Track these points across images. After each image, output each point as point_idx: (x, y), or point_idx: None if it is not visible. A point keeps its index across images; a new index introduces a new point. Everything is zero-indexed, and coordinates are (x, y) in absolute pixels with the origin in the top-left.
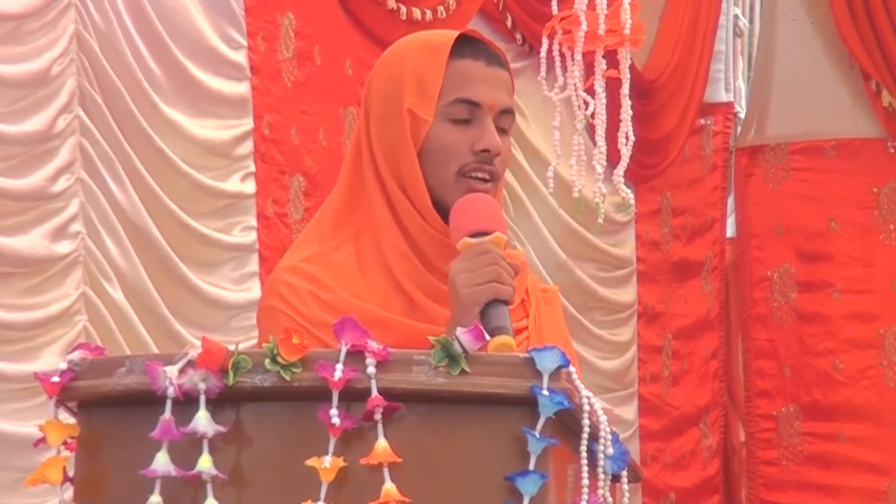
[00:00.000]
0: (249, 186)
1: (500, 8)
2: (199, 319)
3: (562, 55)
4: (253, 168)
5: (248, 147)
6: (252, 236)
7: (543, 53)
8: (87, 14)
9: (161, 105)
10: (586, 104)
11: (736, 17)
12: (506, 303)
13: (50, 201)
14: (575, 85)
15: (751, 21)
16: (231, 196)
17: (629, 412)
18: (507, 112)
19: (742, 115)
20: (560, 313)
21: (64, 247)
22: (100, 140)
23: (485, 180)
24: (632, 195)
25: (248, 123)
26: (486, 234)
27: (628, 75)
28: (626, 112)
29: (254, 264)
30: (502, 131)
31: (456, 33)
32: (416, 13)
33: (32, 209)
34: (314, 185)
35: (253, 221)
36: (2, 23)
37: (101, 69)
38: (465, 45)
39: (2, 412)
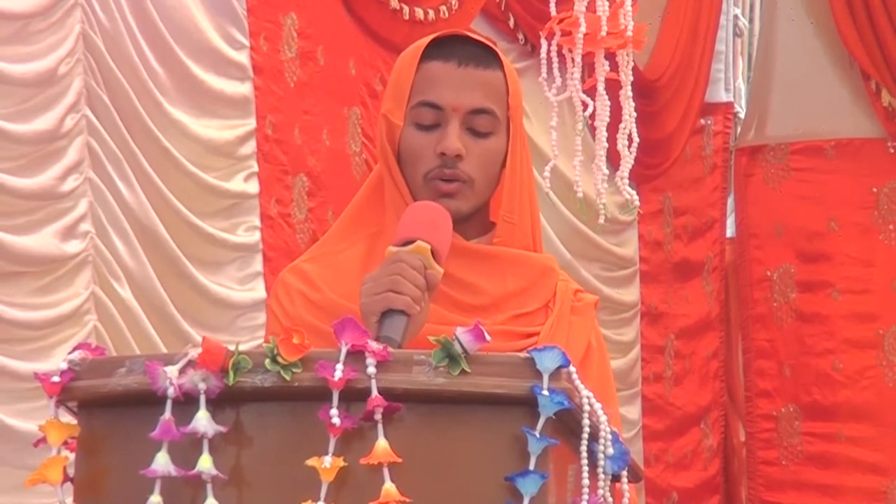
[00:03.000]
0: (253, 186)
1: (503, 8)
2: (205, 319)
3: (561, 56)
4: (256, 168)
5: (251, 147)
6: (256, 236)
7: (544, 54)
8: (92, 14)
9: (165, 105)
10: (585, 105)
11: (736, 17)
12: (403, 313)
13: (59, 201)
14: (575, 86)
15: (751, 21)
16: (235, 196)
17: (633, 412)
18: (480, 112)
19: (742, 115)
20: (590, 325)
21: (74, 246)
22: (107, 139)
23: (450, 182)
24: (636, 196)
25: (250, 123)
26: (412, 242)
27: (630, 77)
28: (630, 114)
29: (258, 264)
30: (475, 133)
31: (437, 34)
32: (419, 13)
33: (42, 208)
34: (318, 186)
35: (256, 221)
36: (9, 22)
37: (108, 69)
38: (442, 46)
39: (15, 411)
